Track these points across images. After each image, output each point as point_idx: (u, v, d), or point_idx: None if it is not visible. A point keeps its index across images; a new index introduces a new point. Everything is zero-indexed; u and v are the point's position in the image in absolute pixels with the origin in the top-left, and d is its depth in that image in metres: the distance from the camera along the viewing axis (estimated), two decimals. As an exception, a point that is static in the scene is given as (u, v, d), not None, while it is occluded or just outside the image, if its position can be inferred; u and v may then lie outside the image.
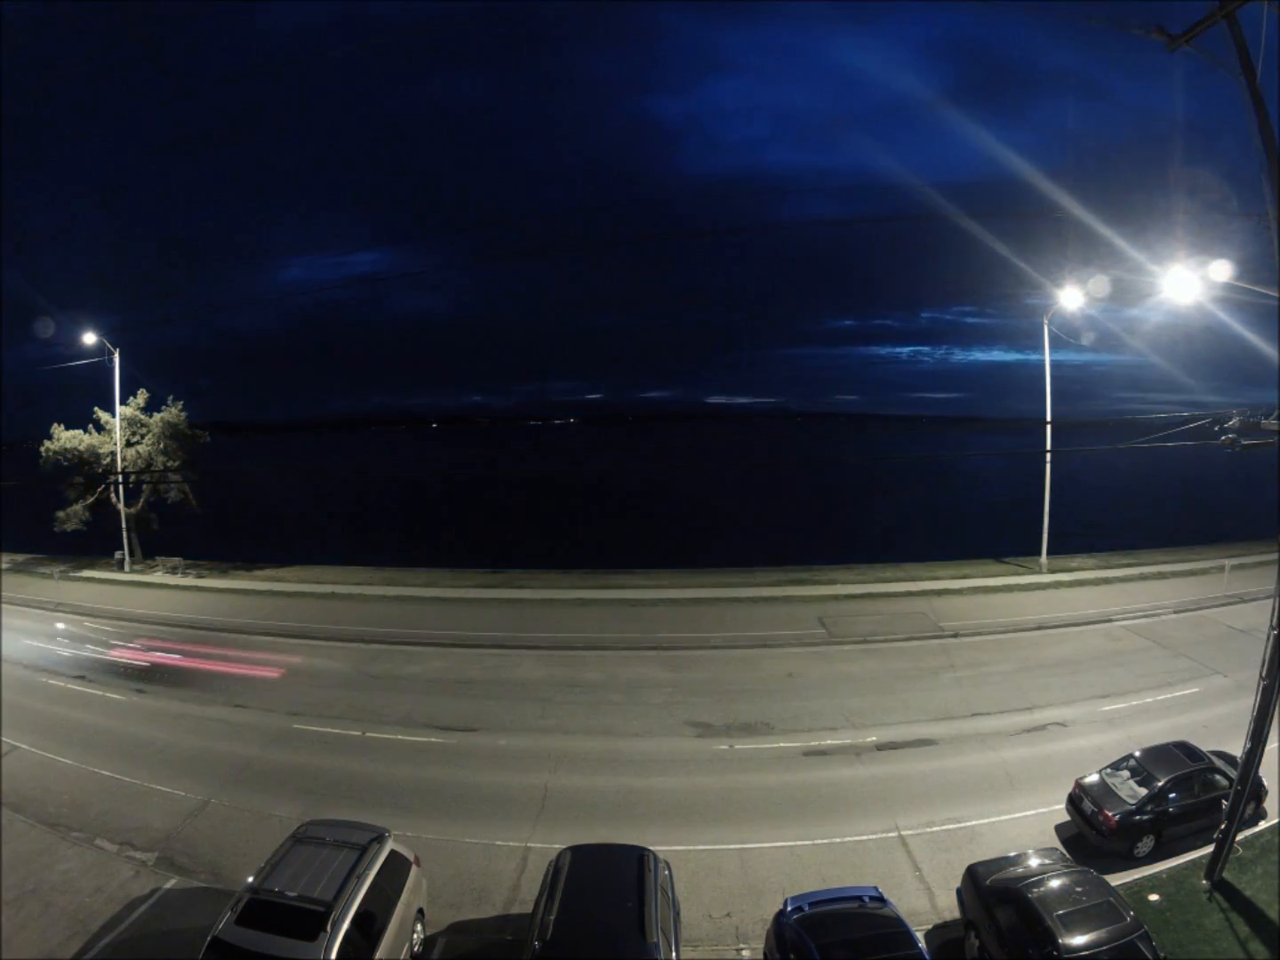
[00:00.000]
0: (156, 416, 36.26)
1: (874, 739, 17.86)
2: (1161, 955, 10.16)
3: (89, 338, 33.48)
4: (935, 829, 14.41)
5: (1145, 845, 13.45)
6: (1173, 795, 13.63)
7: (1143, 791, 13.58)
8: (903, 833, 14.33)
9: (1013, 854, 12.16)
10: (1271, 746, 12.18)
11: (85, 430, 35.23)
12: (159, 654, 23.71)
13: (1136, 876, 12.86)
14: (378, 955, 10.04)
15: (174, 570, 34.83)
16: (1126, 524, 40.36)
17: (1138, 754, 14.53)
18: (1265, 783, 13.73)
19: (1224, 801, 12.74)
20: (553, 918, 10.00)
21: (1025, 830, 14.23)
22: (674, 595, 29.69)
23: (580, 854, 11.41)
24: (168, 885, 12.83)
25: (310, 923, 9.55)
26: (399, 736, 18.26)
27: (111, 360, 34.45)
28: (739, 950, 11.79)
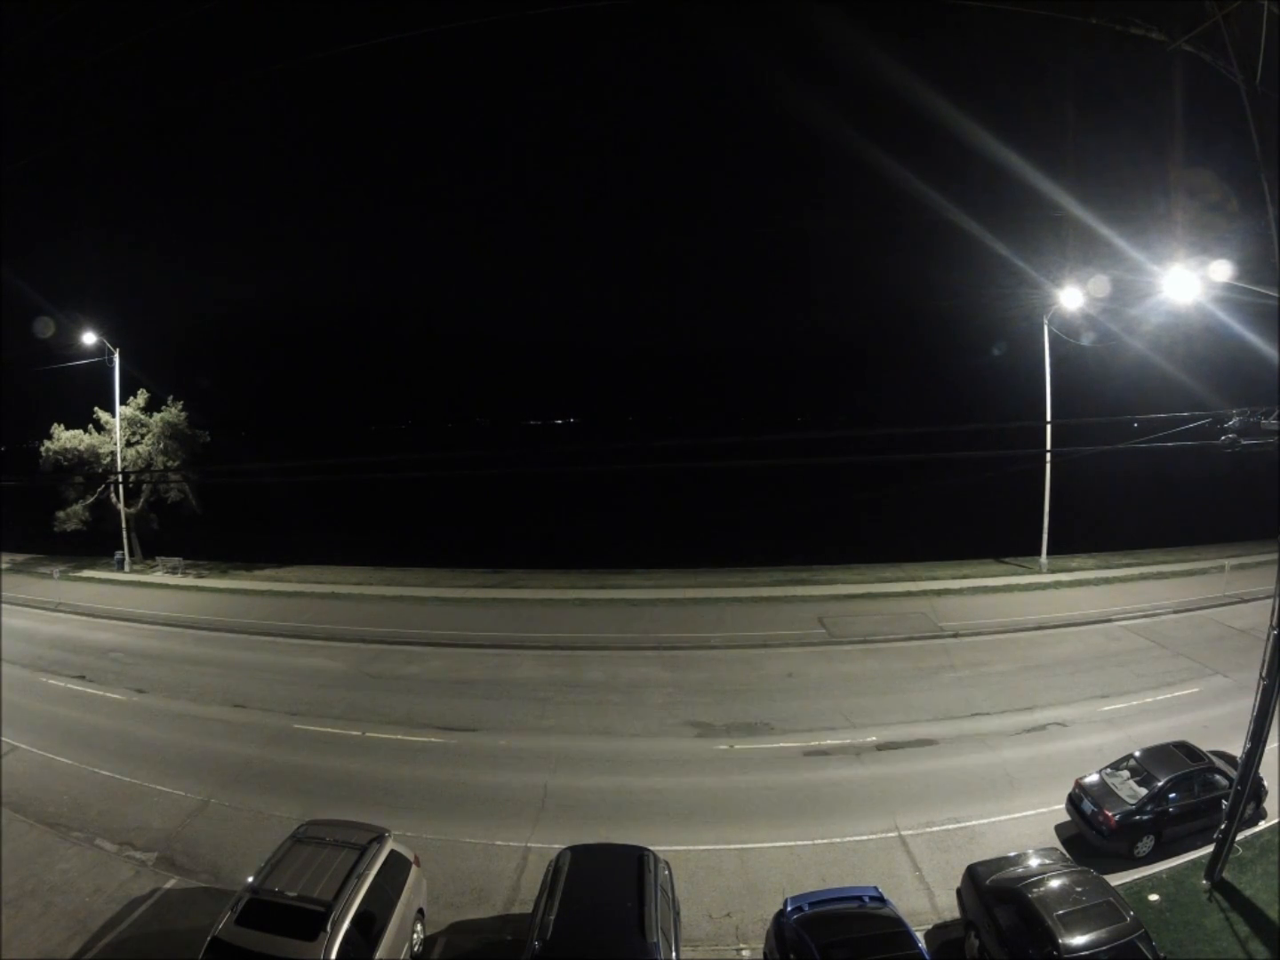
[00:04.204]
0: (156, 416, 36.25)
1: (874, 739, 17.87)
2: (1161, 955, 10.17)
3: (89, 338, 33.51)
4: (935, 829, 14.41)
5: (1145, 845, 13.46)
6: (1173, 795, 13.64)
7: (1143, 791, 13.59)
8: (903, 833, 14.33)
9: (1013, 854, 12.16)
10: (1271, 746, 12.17)
11: (85, 430, 35.23)
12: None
13: (1136, 876, 12.86)
14: (378, 955, 10.05)
15: (174, 570, 34.83)
16: (1126, 524, 40.29)
17: (1138, 754, 14.53)
18: (1265, 783, 13.73)
19: (1224, 801, 12.73)
20: (553, 918, 10.00)
21: (1025, 830, 14.23)
22: (674, 595, 29.68)
23: (580, 854, 11.41)
24: (168, 885, 12.84)
25: (310, 923, 9.56)
26: (399, 736, 18.27)
27: (111, 360, 34.47)
28: (739, 950, 11.79)
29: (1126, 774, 14.14)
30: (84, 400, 35.72)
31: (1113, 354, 31.57)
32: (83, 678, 21.75)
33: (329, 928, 9.52)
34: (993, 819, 14.66)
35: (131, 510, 36.25)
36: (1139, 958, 9.90)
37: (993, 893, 11.18)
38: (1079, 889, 10.77)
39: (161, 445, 36.18)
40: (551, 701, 20.26)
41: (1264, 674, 11.55)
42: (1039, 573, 31.86)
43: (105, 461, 35.02)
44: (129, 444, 35.77)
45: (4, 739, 17.65)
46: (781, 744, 17.80)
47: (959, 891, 12.02)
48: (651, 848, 11.70)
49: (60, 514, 34.84)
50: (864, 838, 14.22)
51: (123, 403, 35.45)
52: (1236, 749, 12.42)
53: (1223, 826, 12.28)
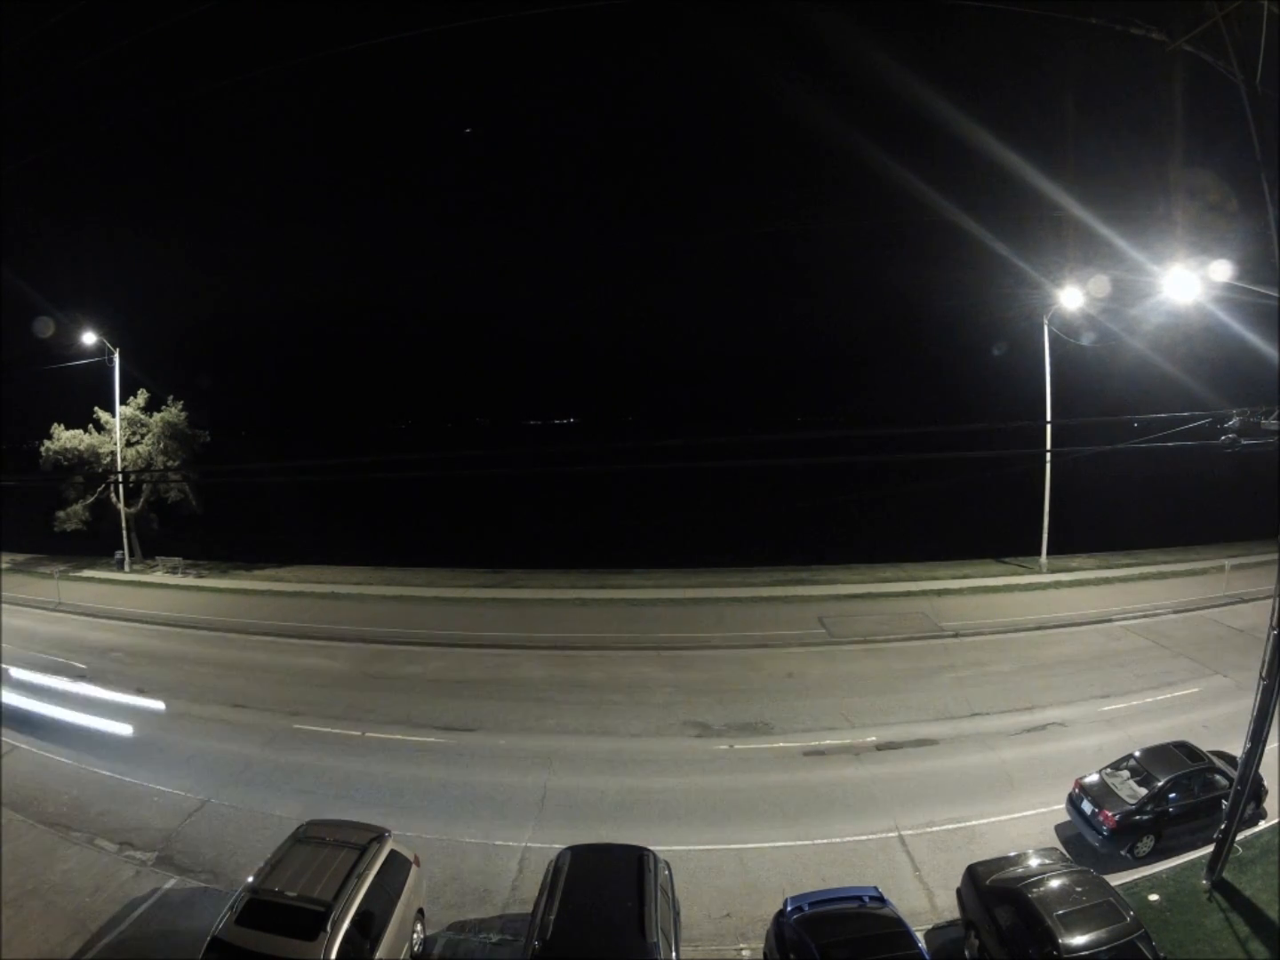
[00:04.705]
0: (156, 416, 36.26)
1: (874, 739, 17.87)
2: (1161, 955, 10.17)
3: (89, 338, 33.51)
4: (935, 829, 14.41)
5: (1145, 845, 13.46)
6: (1173, 795, 13.64)
7: (1143, 791, 13.59)
8: (903, 833, 14.33)
9: (1013, 854, 12.16)
10: (1271, 746, 12.16)
11: (85, 430, 35.24)
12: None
13: (1136, 876, 12.86)
14: (378, 955, 10.05)
15: (174, 570, 34.84)
16: (1126, 524, 40.29)
17: (1138, 754, 14.53)
18: (1265, 783, 13.73)
19: (1224, 801, 12.74)
20: (553, 918, 9.99)
21: (1025, 830, 14.23)
22: (674, 595, 29.69)
23: (580, 854, 11.41)
24: (168, 885, 12.84)
25: (310, 923, 9.55)
26: (399, 736, 18.27)
27: (111, 360, 34.48)
28: (739, 950, 11.79)
29: (1126, 774, 14.14)
30: (84, 400, 35.77)
31: (1113, 354, 31.58)
32: (83, 678, 21.75)
33: (329, 928, 9.52)
34: (993, 819, 14.65)
35: (131, 510, 36.25)
36: (1139, 958, 9.90)
37: (993, 893, 11.18)
38: (1079, 889, 10.77)
39: (161, 445, 36.19)
40: (551, 701, 20.26)
41: (1264, 674, 11.54)
42: (1039, 573, 31.86)
43: (105, 461, 35.02)
44: (129, 444, 35.78)
45: (4, 739, 17.65)
46: (781, 744, 17.81)
47: (959, 891, 12.01)
48: (651, 848, 11.70)
49: (60, 514, 34.85)
50: (864, 838, 14.22)
51: (123, 403, 35.45)
52: (1236, 749, 12.42)
53: (1223, 826, 12.28)
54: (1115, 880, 11.75)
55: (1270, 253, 10.76)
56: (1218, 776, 13.91)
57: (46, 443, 34.75)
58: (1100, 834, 13.41)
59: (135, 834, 14.26)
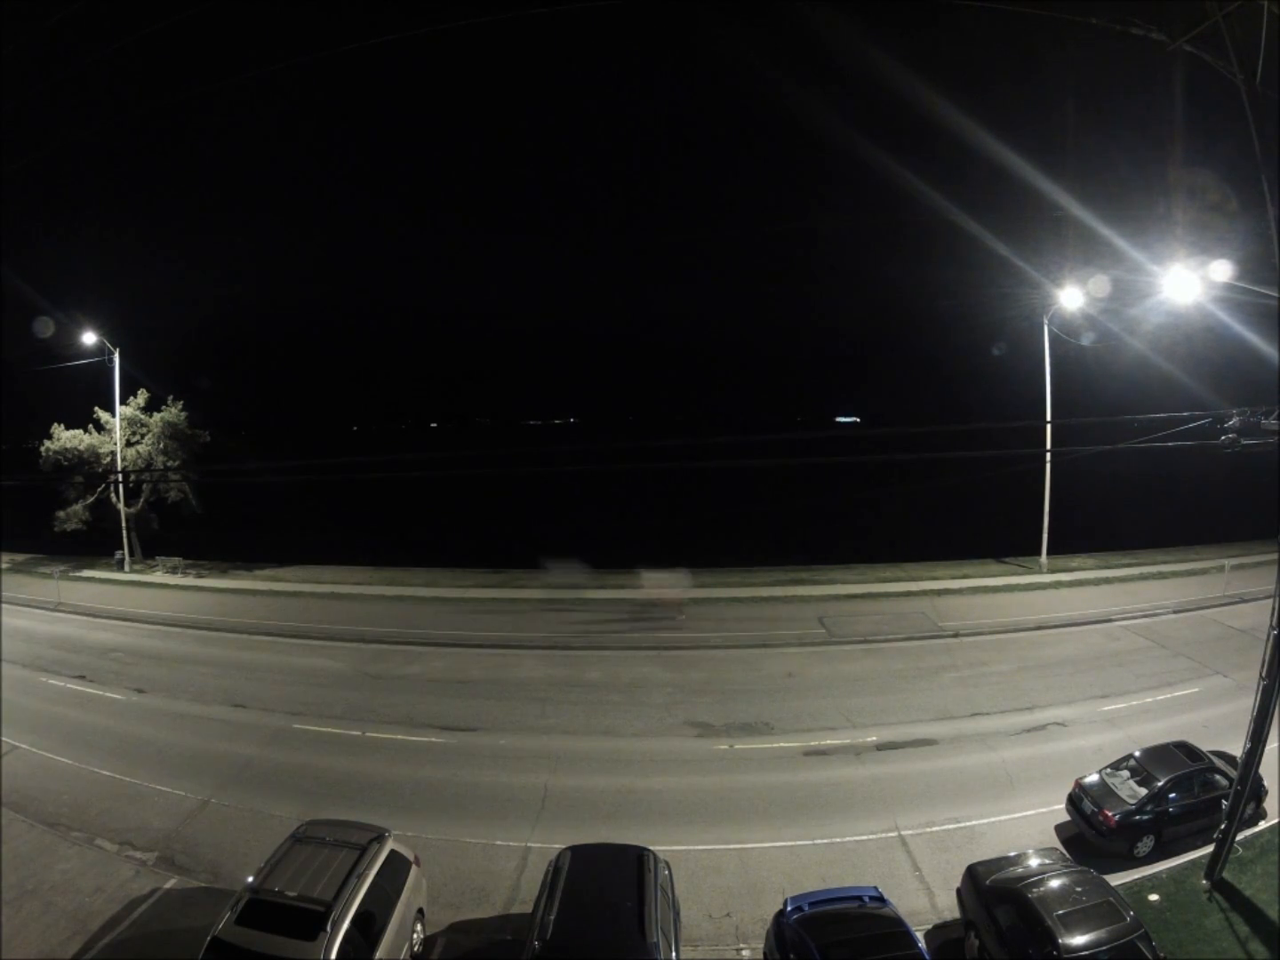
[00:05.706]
0: (156, 416, 36.25)
1: (874, 739, 17.87)
2: (1161, 955, 10.17)
3: (89, 338, 33.51)
4: (935, 829, 14.41)
5: (1145, 845, 13.46)
6: (1173, 795, 13.65)
7: (1143, 791, 13.59)
8: (903, 833, 14.33)
9: (1013, 854, 12.17)
10: (1271, 746, 12.17)
11: (85, 430, 35.24)
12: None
13: (1136, 876, 12.87)
14: (378, 955, 10.06)
15: (174, 570, 34.84)
16: (1127, 524, 40.27)
17: (1138, 754, 14.54)
18: (1265, 783, 13.74)
19: (1224, 801, 12.74)
20: (553, 917, 10.01)
21: (1025, 830, 14.24)
22: (674, 595, 29.63)
23: (580, 854, 11.42)
24: (168, 885, 12.84)
25: (310, 923, 9.56)
26: (399, 736, 18.27)
27: (111, 360, 34.48)
28: (739, 950, 11.80)
29: (1126, 774, 14.14)
30: (84, 400, 35.73)
31: (1113, 354, 31.58)
32: (83, 678, 21.75)
33: (329, 927, 9.53)
34: (993, 819, 14.66)
35: (131, 510, 36.24)
36: (1139, 958, 9.90)
37: (993, 893, 11.18)
38: (1079, 889, 10.77)
39: (161, 445, 36.18)
40: (552, 701, 20.26)
41: (1264, 674, 11.55)
42: (1039, 573, 31.86)
43: (105, 461, 35.00)
44: (129, 444, 35.77)
45: (4, 739, 17.65)
46: (781, 744, 17.81)
47: (959, 891, 12.02)
48: (651, 848, 11.70)
49: (60, 514, 34.85)
50: (864, 838, 14.22)
51: (123, 403, 35.44)
52: (1236, 749, 12.43)
53: (1223, 826, 12.29)
54: (1115, 880, 11.75)
55: (1270, 253, 10.77)
56: (1218, 776, 13.92)
57: (46, 443, 34.75)
58: (1100, 834, 13.42)
59: (135, 834, 14.26)
